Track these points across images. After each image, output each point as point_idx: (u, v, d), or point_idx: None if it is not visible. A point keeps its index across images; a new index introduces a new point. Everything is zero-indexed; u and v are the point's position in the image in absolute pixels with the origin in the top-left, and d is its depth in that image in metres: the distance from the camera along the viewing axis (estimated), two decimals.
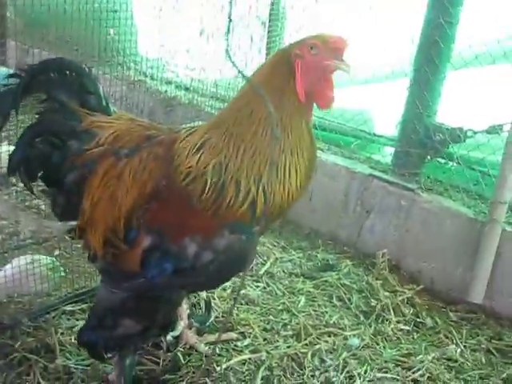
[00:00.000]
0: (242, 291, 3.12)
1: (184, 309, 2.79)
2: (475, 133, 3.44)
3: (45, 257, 2.90)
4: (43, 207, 3.68)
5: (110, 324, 2.23)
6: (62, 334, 2.74)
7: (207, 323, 2.90)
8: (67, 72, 2.29)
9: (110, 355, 2.32)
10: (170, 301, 2.26)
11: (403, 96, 3.63)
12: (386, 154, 3.95)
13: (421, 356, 2.88)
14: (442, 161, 3.67)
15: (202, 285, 2.25)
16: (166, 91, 4.68)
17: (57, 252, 3.35)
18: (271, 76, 2.06)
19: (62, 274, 2.97)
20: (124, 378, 2.35)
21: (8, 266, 2.77)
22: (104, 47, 3.37)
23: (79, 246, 3.33)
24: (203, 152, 2.05)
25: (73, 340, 2.71)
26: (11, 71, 3.41)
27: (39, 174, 2.31)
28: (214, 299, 3.06)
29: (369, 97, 4.14)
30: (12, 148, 2.32)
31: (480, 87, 3.71)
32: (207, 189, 1.99)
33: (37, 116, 2.32)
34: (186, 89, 4.42)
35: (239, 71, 2.11)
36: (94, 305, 2.42)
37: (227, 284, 3.14)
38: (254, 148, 2.01)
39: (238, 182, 1.99)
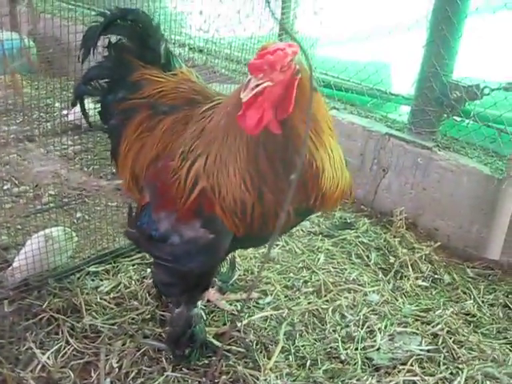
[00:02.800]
0: (262, 250, 3.15)
1: None
2: (492, 90, 3.41)
3: (57, 229, 2.91)
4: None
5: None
6: (87, 294, 2.81)
7: (230, 282, 2.95)
8: (139, 24, 2.37)
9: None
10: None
11: (420, 53, 3.60)
12: (403, 113, 3.94)
13: (439, 311, 2.92)
14: (459, 118, 3.66)
15: (171, 262, 2.20)
16: (180, 54, 4.67)
17: (78, 215, 3.40)
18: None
19: (76, 240, 2.99)
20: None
21: (23, 251, 2.80)
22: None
23: (99, 208, 3.41)
24: (197, 143, 2.06)
25: (98, 300, 2.78)
26: (24, 37, 3.43)
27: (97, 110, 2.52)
28: (236, 258, 3.10)
29: (387, 50, 4.10)
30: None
31: (497, 45, 3.67)
32: (182, 182, 2.02)
33: (101, 60, 2.45)
34: (200, 51, 4.40)
35: (279, 22, 2.03)
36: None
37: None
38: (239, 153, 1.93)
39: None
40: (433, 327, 2.80)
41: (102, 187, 2.38)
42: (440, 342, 2.70)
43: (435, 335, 2.76)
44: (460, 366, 2.57)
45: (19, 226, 3.09)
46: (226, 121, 1.94)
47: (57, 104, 3.94)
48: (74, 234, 2.96)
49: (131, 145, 2.33)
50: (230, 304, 2.83)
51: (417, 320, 2.86)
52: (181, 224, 2.05)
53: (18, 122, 4.15)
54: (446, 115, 3.65)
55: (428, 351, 2.65)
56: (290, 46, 1.76)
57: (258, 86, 1.71)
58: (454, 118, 3.67)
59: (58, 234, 2.86)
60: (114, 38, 2.44)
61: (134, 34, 2.39)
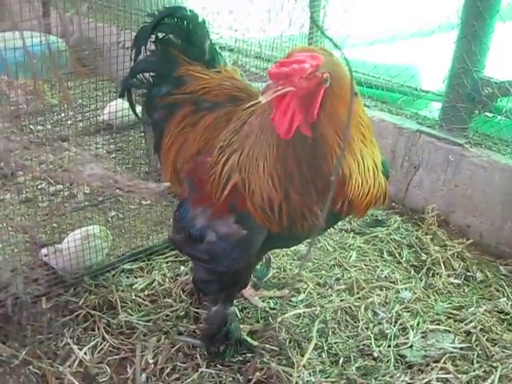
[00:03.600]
0: (294, 247, 3.17)
1: None
2: None
3: (93, 227, 2.96)
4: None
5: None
6: (122, 291, 2.86)
7: (265, 279, 2.98)
8: (185, 21, 2.43)
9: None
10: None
11: (450, 50, 3.58)
12: (434, 110, 3.91)
13: (472, 309, 2.91)
14: (490, 115, 3.62)
15: (208, 263, 2.23)
16: None
17: (112, 213, 3.45)
18: None
19: (111, 238, 3.04)
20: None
21: (60, 245, 2.86)
22: (147, 11, 3.40)
23: (133, 207, 3.45)
24: (235, 139, 2.09)
25: (133, 297, 2.82)
26: (60, 39, 3.49)
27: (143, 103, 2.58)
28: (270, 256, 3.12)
29: (416, 52, 4.10)
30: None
31: None
32: (217, 176, 2.07)
33: (148, 54, 2.52)
34: (230, 50, 4.42)
35: (320, 28, 2.03)
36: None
37: None
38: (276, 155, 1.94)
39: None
40: (466, 325, 2.79)
41: (151, 190, 2.42)
42: (473, 340, 2.70)
43: (468, 333, 2.75)
44: (494, 365, 2.56)
45: (55, 225, 3.15)
46: (262, 117, 1.97)
47: (91, 105, 4.01)
48: (109, 233, 3.00)
49: (174, 139, 2.38)
50: (263, 301, 2.86)
51: (449, 318, 2.85)
52: (215, 219, 2.09)
53: (51, 122, 4.21)
54: (477, 111, 3.62)
55: (461, 349, 2.64)
56: (312, 57, 1.76)
57: (277, 90, 1.73)
58: (486, 114, 3.63)
59: (94, 232, 2.91)
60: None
61: (181, 30, 2.44)
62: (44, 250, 2.85)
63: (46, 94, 4.02)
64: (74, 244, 2.81)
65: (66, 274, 2.84)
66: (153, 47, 2.51)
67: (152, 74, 2.51)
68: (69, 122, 4.25)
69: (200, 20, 2.46)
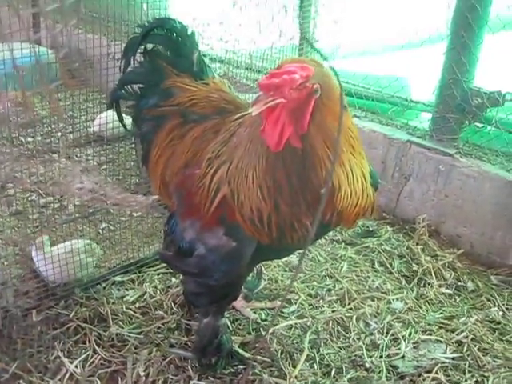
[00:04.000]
0: (286, 258, 3.17)
1: None
2: None
3: (79, 241, 2.94)
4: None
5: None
6: (113, 303, 2.85)
7: (256, 290, 2.97)
8: (175, 33, 2.44)
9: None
10: None
11: (440, 61, 3.60)
12: (424, 120, 3.93)
13: (464, 318, 2.92)
14: (481, 125, 3.63)
15: (199, 276, 2.22)
16: None
17: (103, 225, 3.44)
18: None
19: (100, 253, 3.02)
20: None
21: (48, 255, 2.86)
22: (137, 23, 3.40)
23: (123, 218, 3.44)
24: (223, 150, 2.09)
25: (124, 309, 2.81)
26: (50, 51, 3.49)
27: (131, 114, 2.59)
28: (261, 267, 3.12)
29: (406, 63, 4.12)
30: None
31: None
32: (206, 188, 2.06)
33: (136, 65, 2.52)
34: (221, 61, 4.43)
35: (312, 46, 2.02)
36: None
37: None
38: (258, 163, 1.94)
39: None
40: (457, 335, 2.79)
41: (139, 203, 2.42)
42: (465, 350, 2.70)
43: (460, 343, 2.76)
44: (485, 374, 2.57)
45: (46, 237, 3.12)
46: (251, 129, 1.97)
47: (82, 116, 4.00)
48: (95, 246, 2.98)
49: (162, 151, 2.37)
50: (255, 312, 2.85)
51: (441, 328, 2.86)
52: (204, 231, 2.08)
53: (41, 133, 4.21)
54: (467, 122, 3.63)
55: (453, 359, 2.65)
56: (302, 68, 1.77)
57: (268, 102, 1.73)
58: (476, 124, 3.65)
59: (78, 246, 2.88)
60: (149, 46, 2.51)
61: (169, 42, 2.44)
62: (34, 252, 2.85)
63: (36, 106, 4.01)
64: (57, 258, 2.79)
65: (50, 282, 2.83)
66: (141, 58, 2.51)
67: (140, 85, 2.50)
68: (59, 134, 4.24)
69: (189, 32, 2.46)
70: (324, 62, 1.84)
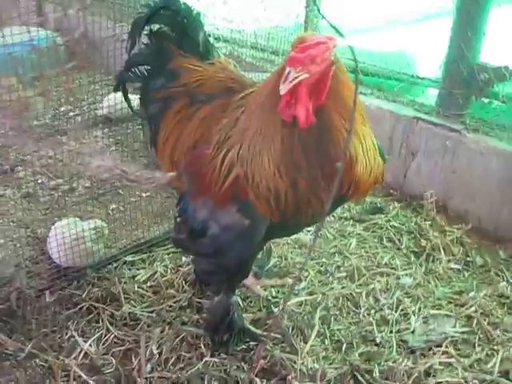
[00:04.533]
0: (295, 236, 3.19)
1: None
2: None
3: (85, 223, 2.97)
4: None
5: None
6: (125, 283, 2.88)
7: (266, 268, 3.00)
8: (180, 14, 2.43)
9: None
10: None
11: (446, 37, 3.58)
12: (430, 96, 3.92)
13: (472, 293, 2.93)
14: (487, 100, 3.63)
15: (213, 256, 2.24)
16: None
17: (113, 206, 3.46)
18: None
19: (107, 232, 3.04)
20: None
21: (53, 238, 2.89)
22: (140, 2, 3.39)
23: (133, 199, 3.46)
24: (231, 133, 2.09)
25: (136, 288, 2.84)
26: (54, 33, 3.48)
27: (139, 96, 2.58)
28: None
29: (411, 38, 4.10)
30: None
31: None
32: (217, 170, 2.07)
33: (142, 47, 2.52)
34: (226, 40, 4.42)
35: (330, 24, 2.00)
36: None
37: None
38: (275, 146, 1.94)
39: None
40: (466, 309, 2.81)
41: (158, 179, 2.43)
42: (474, 324, 2.72)
43: (469, 317, 2.77)
44: (495, 348, 2.58)
45: (56, 219, 3.14)
46: (260, 111, 1.97)
47: (89, 98, 4.01)
48: (105, 225, 3.02)
49: (170, 133, 2.38)
50: (265, 290, 2.88)
51: (450, 302, 2.87)
52: (217, 209, 2.09)
53: (48, 116, 4.21)
54: (474, 97, 3.62)
55: (462, 333, 2.67)
56: (330, 38, 1.79)
57: (295, 78, 1.74)
58: (483, 99, 3.63)
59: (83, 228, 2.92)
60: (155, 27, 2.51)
61: (175, 22, 2.44)
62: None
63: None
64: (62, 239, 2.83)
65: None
66: (147, 40, 2.51)
67: (146, 67, 2.51)
68: (70, 114, 4.25)
69: (194, 13, 2.45)
70: (340, 39, 1.84)
